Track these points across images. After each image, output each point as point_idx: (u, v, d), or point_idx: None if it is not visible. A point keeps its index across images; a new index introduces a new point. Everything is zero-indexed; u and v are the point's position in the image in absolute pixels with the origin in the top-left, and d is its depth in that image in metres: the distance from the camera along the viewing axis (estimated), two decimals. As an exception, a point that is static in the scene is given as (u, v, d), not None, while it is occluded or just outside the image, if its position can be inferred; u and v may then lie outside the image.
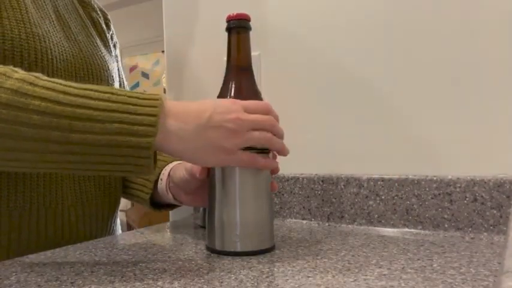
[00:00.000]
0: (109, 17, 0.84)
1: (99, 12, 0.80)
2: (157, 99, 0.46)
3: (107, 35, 0.79)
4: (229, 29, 0.56)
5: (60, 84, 0.44)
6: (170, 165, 0.68)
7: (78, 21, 0.72)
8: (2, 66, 0.46)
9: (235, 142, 0.48)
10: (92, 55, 0.69)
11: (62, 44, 0.64)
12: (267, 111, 0.53)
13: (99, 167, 0.45)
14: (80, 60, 0.66)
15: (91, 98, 0.44)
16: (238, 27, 0.56)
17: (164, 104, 0.46)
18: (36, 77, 0.44)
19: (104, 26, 0.80)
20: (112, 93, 0.45)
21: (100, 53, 0.72)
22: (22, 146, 0.42)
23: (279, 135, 0.54)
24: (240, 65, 0.57)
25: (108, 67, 0.72)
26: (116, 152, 0.44)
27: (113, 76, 0.73)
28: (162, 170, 0.68)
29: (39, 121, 0.42)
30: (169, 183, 0.66)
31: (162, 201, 0.71)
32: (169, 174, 0.66)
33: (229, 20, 0.56)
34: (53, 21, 0.65)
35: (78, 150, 0.43)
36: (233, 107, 0.49)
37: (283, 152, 0.55)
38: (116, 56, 0.82)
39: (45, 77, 0.45)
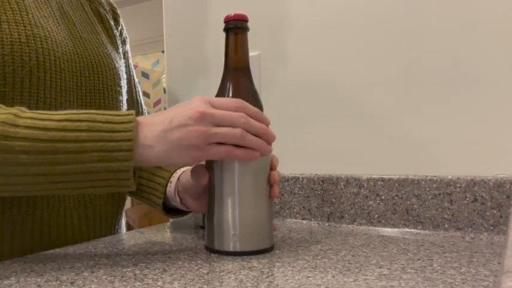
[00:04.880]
0: (118, 11, 0.82)
1: (106, 7, 0.78)
2: (130, 122, 0.48)
3: (114, 30, 0.77)
4: (227, 30, 0.56)
5: (39, 119, 0.47)
6: (182, 169, 0.67)
7: (84, 17, 0.70)
8: None
9: (201, 138, 0.48)
10: (98, 53, 0.68)
11: (66, 43, 0.63)
12: (238, 108, 0.50)
13: (84, 190, 0.49)
14: (85, 59, 0.65)
15: (69, 130, 0.46)
16: (236, 28, 0.56)
17: (136, 125, 0.49)
18: (15, 115, 0.47)
19: (111, 21, 0.77)
20: (89, 121, 0.47)
21: (106, 50, 0.70)
22: (13, 181, 0.46)
23: (256, 132, 0.51)
24: (237, 65, 0.57)
25: (114, 65, 0.70)
26: (98, 177, 0.47)
27: (119, 74, 0.71)
28: (172, 173, 0.68)
29: (26, 159, 0.45)
30: (178, 186, 0.65)
31: (171, 206, 0.70)
32: (178, 178, 0.66)
33: (227, 20, 0.56)
34: (56, 19, 0.64)
35: (63, 179, 0.47)
36: (196, 104, 0.49)
37: (260, 149, 0.52)
38: (126, 52, 0.80)
39: (24, 113, 0.47)
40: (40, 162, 0.45)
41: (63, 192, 0.49)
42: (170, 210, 0.71)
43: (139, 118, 0.50)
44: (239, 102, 0.51)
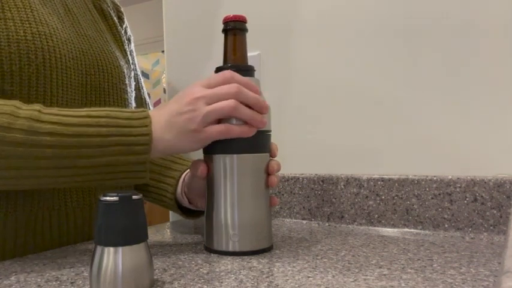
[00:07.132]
0: (122, 9, 0.82)
1: (110, 4, 0.78)
2: (146, 117, 0.50)
3: (119, 27, 0.77)
4: (225, 31, 0.56)
5: (62, 115, 0.49)
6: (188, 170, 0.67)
7: (87, 15, 0.70)
8: (5, 103, 0.48)
9: (196, 121, 0.49)
10: (102, 51, 0.67)
11: (71, 40, 0.62)
12: (226, 79, 0.51)
13: (103, 182, 0.51)
14: (90, 56, 0.65)
15: (91, 126, 0.49)
16: (234, 29, 0.56)
17: (152, 120, 0.51)
18: (38, 111, 0.48)
19: (115, 19, 0.77)
20: (107, 117, 0.49)
21: (110, 48, 0.70)
22: (37, 174, 0.48)
23: (248, 101, 0.51)
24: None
25: (119, 63, 0.70)
26: (117, 170, 0.50)
27: (124, 72, 0.71)
28: (182, 173, 0.68)
29: (51, 153, 0.47)
30: (184, 187, 0.66)
31: (187, 206, 0.69)
32: (184, 179, 0.66)
33: (226, 21, 0.56)
34: (61, 16, 0.63)
35: (84, 172, 0.49)
36: (192, 90, 0.51)
37: (253, 121, 0.51)
38: (131, 51, 0.80)
39: (46, 110, 0.49)
40: (65, 156, 0.47)
41: (84, 184, 0.50)
42: (186, 211, 0.71)
43: (152, 112, 0.52)
44: (227, 73, 0.52)
